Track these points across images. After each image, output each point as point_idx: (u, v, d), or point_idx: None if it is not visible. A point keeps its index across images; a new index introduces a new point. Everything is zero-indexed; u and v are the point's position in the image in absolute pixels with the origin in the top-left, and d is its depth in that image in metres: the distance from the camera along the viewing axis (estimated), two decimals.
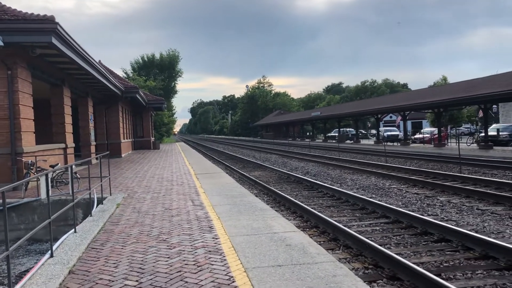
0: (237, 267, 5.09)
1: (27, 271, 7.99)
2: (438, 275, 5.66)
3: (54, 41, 11.80)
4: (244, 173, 19.49)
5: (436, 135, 37.79)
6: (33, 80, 13.94)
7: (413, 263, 5.93)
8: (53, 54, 13.72)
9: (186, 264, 5.27)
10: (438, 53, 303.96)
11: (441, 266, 6.33)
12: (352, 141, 53.58)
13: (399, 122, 59.17)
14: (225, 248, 5.90)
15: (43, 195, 6.14)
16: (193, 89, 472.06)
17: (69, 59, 14.06)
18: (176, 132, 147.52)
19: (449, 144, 37.65)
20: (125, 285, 4.67)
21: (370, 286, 5.21)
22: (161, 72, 66.25)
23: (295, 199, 12.09)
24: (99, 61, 27.40)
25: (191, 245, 6.11)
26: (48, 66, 15.39)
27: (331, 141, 59.76)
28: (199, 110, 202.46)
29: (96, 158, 19.12)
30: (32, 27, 11.61)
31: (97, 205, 9.55)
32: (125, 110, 31.99)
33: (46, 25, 11.57)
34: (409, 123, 60.98)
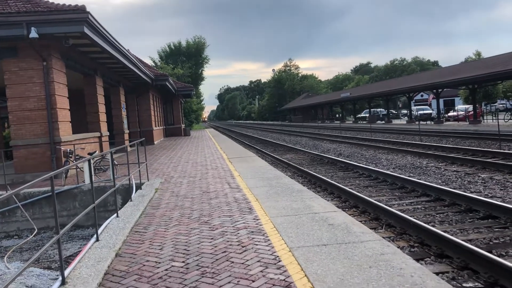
0: (282, 247, 5.05)
1: (72, 255, 8.21)
2: (489, 252, 5.47)
3: (86, 30, 11.92)
4: (276, 156, 19.44)
5: (471, 112, 36.77)
6: (67, 70, 14.17)
7: (461, 240, 5.75)
8: (85, 44, 13.90)
9: (230, 245, 5.26)
10: (471, 28, 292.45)
11: (491, 243, 6.12)
12: (383, 122, 52.71)
13: (431, 101, 57.77)
14: (267, 229, 5.86)
15: (86, 180, 6.23)
16: (220, 75, 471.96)
17: (100, 48, 14.21)
18: (205, 119, 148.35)
19: (484, 121, 36.56)
20: (172, 266, 4.70)
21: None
22: (188, 59, 66.24)
23: (331, 180, 11.95)
24: (128, 50, 27.69)
25: (233, 226, 6.11)
26: (80, 56, 15.62)
27: (361, 122, 58.95)
28: (226, 96, 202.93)
29: (132, 145, 19.43)
30: (65, 18, 11.74)
31: (135, 191, 9.69)
32: (155, 98, 32.29)
33: (78, 15, 11.68)
34: (441, 101, 59.36)
